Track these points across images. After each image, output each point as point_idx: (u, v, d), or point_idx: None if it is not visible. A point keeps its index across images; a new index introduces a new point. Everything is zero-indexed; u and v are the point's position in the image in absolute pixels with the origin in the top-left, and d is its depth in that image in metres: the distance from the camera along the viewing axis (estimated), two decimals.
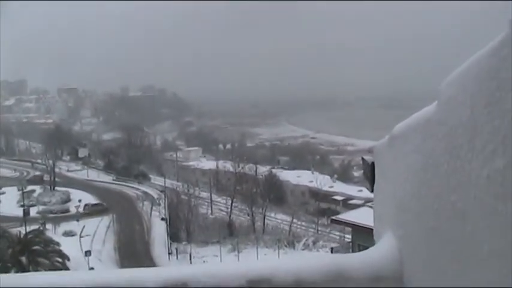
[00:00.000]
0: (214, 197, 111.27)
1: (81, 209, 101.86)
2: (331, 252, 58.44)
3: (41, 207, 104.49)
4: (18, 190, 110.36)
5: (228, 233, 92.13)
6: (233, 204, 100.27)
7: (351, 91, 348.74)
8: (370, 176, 2.82)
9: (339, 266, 2.20)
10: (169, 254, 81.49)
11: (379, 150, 2.74)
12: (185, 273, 2.06)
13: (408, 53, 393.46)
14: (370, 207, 31.88)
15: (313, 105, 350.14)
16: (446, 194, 1.73)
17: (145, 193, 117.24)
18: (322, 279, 2.08)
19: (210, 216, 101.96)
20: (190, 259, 77.87)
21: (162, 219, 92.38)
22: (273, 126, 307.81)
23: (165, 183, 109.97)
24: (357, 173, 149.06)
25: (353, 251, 37.98)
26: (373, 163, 2.81)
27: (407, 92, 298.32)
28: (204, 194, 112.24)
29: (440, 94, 1.84)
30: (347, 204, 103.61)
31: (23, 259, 46.86)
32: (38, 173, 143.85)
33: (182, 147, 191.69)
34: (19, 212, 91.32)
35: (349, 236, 51.86)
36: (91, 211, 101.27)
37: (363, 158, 3.04)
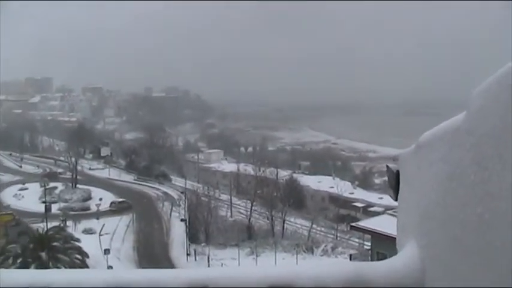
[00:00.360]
0: (234, 200, 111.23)
1: (106, 206, 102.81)
2: (350, 259, 58.19)
3: (62, 204, 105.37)
4: (41, 186, 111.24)
5: (247, 236, 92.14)
6: (253, 207, 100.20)
7: (374, 97, 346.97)
8: (394, 184, 2.76)
9: (361, 274, 2.15)
10: (187, 255, 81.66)
11: (405, 159, 2.67)
12: (205, 275, 2.06)
13: (433, 60, 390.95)
14: (391, 215, 31.69)
15: (336, 111, 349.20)
16: (472, 205, 1.70)
17: (165, 193, 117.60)
18: (344, 287, 2.09)
19: (230, 218, 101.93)
20: (209, 261, 77.93)
21: (182, 220, 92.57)
22: (295, 131, 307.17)
23: (185, 185, 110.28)
24: (378, 180, 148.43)
25: (372, 259, 37.77)
26: (397, 171, 2.74)
27: (432, 99, 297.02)
28: (224, 197, 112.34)
29: (471, 103, 1.81)
30: (367, 211, 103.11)
31: (43, 255, 47.19)
32: (53, 169, 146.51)
33: (204, 149, 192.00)
34: (41, 208, 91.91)
35: (369, 244, 51.52)
36: (118, 208, 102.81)
37: (387, 166, 2.97)
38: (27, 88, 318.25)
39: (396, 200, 2.80)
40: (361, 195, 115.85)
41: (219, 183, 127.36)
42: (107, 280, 1.97)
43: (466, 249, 1.77)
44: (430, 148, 2.29)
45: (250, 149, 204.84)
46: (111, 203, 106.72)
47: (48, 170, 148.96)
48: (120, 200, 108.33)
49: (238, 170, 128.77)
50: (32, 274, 2.07)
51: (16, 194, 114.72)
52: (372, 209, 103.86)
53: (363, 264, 2.25)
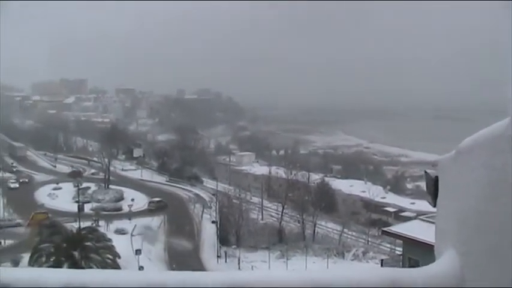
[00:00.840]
0: (265, 203, 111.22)
1: (138, 207, 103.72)
2: (381, 264, 57.81)
3: (95, 204, 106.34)
4: (74, 186, 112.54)
5: (278, 240, 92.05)
6: (284, 210, 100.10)
7: (407, 101, 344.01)
8: (433, 190, 2.79)
9: (398, 280, 2.12)
10: (218, 257, 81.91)
11: (445, 164, 2.69)
12: (238, 278, 2.03)
13: (464, 65, 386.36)
14: (423, 220, 31.46)
15: (368, 115, 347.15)
16: None
17: (197, 195, 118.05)
18: None
19: (260, 221, 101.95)
20: (239, 263, 78.02)
21: (213, 222, 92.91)
22: (327, 135, 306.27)
23: (217, 187, 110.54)
24: (410, 185, 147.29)
25: (403, 265, 37.55)
26: (436, 177, 2.77)
27: (462, 104, 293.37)
28: (255, 199, 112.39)
29: None
30: (399, 216, 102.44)
31: (76, 254, 47.68)
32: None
33: (235, 151, 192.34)
34: (74, 208, 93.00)
35: (400, 249, 51.11)
36: (155, 207, 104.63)
37: (425, 172, 3.00)
38: (61, 89, 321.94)
39: (434, 206, 2.83)
40: (392, 200, 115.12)
41: (250, 186, 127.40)
42: (141, 281, 1.99)
43: (507, 258, 1.73)
44: (471, 154, 2.29)
45: (281, 152, 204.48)
46: (149, 202, 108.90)
47: (81, 170, 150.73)
48: (158, 199, 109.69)
49: (269, 172, 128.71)
50: (31, 273, 2.07)
51: (50, 194, 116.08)
52: (403, 214, 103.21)
53: (400, 271, 2.22)
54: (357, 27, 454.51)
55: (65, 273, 2.01)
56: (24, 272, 2.10)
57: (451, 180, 2.58)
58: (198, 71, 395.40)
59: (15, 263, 64.22)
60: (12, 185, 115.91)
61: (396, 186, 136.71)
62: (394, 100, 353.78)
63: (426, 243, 30.44)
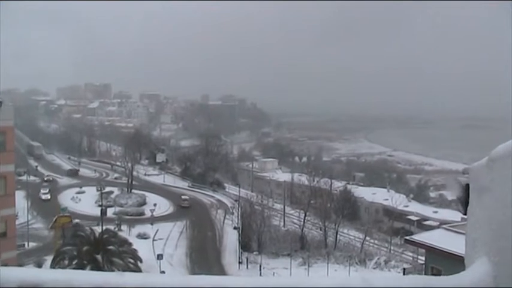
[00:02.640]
0: (288, 210, 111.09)
1: (160, 212, 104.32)
2: (404, 273, 57.45)
3: (118, 209, 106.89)
4: (97, 190, 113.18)
5: (300, 247, 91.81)
6: (306, 217, 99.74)
7: (433, 110, 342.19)
8: (464, 198, 2.74)
9: None
10: (239, 263, 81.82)
11: (476, 172, 2.65)
12: (266, 284, 2.00)
13: (493, 74, 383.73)
14: (446, 229, 31.19)
15: (393, 123, 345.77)
16: None
17: (219, 201, 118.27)
18: None
19: (283, 228, 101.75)
20: (260, 270, 77.88)
21: (235, 228, 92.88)
22: (351, 142, 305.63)
23: (239, 193, 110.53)
24: (434, 194, 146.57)
25: (426, 274, 37.22)
26: (467, 185, 2.73)
27: (488, 113, 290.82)
28: (278, 206, 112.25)
29: None
30: (422, 224, 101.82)
31: (98, 257, 47.87)
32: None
33: (258, 157, 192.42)
34: (97, 212, 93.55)
35: (423, 258, 50.79)
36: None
37: (457, 180, 2.96)
38: (86, 93, 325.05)
39: (465, 213, 2.79)
40: (415, 208, 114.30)
41: (273, 192, 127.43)
42: (165, 284, 1.98)
43: None
44: (504, 162, 2.27)
45: (304, 158, 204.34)
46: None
47: (104, 174, 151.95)
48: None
49: (292, 179, 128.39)
50: (32, 272, 2.08)
51: (73, 197, 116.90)
52: (426, 222, 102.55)
53: (431, 278, 2.20)
54: (385, 34, 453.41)
55: (30, 272, 2.10)
56: (26, 272, 2.11)
57: (483, 188, 2.56)
58: (223, 77, 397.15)
59: (39, 266, 64.81)
60: (43, 196, 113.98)
61: (419, 194, 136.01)
62: (419, 108, 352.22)
63: (449, 253, 30.24)
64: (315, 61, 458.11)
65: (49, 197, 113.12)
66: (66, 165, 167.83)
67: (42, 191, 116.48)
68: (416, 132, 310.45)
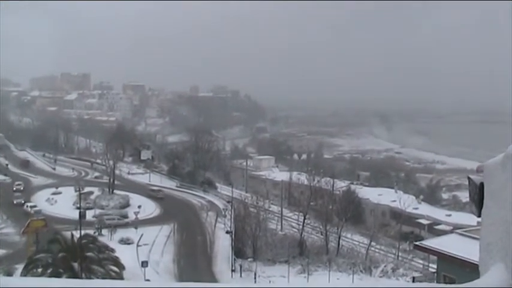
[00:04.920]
0: (285, 212, 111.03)
1: (145, 215, 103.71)
2: (413, 282, 57.37)
3: (98, 211, 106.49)
4: (75, 191, 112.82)
5: (298, 253, 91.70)
6: (305, 221, 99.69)
7: (443, 104, 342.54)
8: (477, 199, 2.62)
9: None
10: (232, 270, 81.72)
11: (491, 170, 2.50)
12: None
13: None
14: (461, 234, 31.14)
15: (400, 117, 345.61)
16: None
17: (210, 202, 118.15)
18: None
19: (280, 232, 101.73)
20: (255, 278, 77.79)
21: (227, 232, 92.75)
22: (354, 138, 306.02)
23: (232, 193, 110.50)
24: (446, 195, 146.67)
25: (437, 283, 37.16)
26: (481, 184, 2.60)
27: (508, 107, 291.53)
28: (274, 208, 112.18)
29: None
30: (433, 229, 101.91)
31: (75, 265, 47.73)
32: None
33: (253, 155, 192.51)
34: (75, 215, 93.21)
35: (434, 266, 50.75)
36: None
37: (469, 178, 2.82)
38: (62, 84, 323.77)
39: (479, 215, 2.66)
40: (426, 211, 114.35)
41: (269, 193, 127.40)
42: None
43: None
44: None
45: (304, 156, 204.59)
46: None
47: (83, 173, 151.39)
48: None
49: (290, 179, 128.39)
50: (32, 281, 2.08)
51: (48, 199, 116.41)
52: (438, 227, 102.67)
53: (444, 287, 2.18)
54: (391, 25, 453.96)
55: (30, 281, 2.10)
56: (26, 281, 2.14)
57: (498, 188, 2.54)
58: (214, 67, 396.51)
59: (9, 275, 64.43)
60: (15, 200, 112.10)
61: (430, 196, 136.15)
62: (428, 101, 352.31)
63: (464, 260, 30.16)
64: (313, 51, 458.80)
65: (21, 200, 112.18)
66: (41, 163, 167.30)
67: (15, 194, 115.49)
68: (425, 127, 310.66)
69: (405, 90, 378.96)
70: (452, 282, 35.44)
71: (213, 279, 76.48)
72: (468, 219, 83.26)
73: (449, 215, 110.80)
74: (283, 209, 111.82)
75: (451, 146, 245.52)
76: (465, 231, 39.43)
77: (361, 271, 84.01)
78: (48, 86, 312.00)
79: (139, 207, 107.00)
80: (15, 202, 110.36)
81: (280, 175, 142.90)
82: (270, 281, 74.84)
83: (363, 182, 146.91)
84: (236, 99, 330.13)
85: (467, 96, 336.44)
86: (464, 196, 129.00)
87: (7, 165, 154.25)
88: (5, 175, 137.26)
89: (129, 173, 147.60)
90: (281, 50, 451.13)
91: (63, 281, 2.15)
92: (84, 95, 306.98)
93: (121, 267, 54.24)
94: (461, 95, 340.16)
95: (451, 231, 54.03)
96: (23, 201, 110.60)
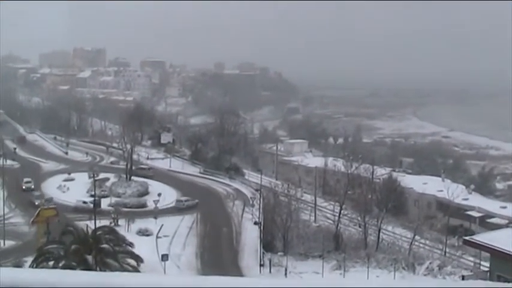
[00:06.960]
0: (320, 202, 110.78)
1: (165, 203, 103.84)
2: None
3: (114, 199, 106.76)
4: (90, 177, 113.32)
5: (334, 247, 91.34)
6: (342, 211, 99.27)
7: (496, 82, 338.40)
8: None
9: None
10: (260, 265, 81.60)
11: None
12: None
13: None
14: None
15: (448, 97, 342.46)
16: None
17: (237, 190, 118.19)
18: None
19: (313, 224, 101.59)
20: (286, 274, 77.73)
21: (255, 223, 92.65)
22: (396, 120, 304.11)
23: (261, 181, 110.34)
24: (501, 185, 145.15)
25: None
26: None
27: None
28: (308, 197, 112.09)
29: None
30: (485, 222, 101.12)
31: (89, 258, 47.86)
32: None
33: (284, 138, 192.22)
34: (88, 203, 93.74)
35: (487, 264, 50.19)
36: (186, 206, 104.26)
37: None
38: (75, 61, 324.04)
39: None
40: (477, 202, 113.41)
41: (302, 181, 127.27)
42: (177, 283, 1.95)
43: None
44: None
45: (340, 140, 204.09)
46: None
47: (98, 158, 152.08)
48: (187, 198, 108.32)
49: (325, 165, 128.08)
50: (33, 273, 2.19)
51: (60, 186, 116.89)
52: (491, 220, 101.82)
53: (496, 285, 2.17)
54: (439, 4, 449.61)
55: (31, 273, 2.11)
56: (30, 273, 2.19)
57: None
58: (241, 42, 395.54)
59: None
60: (25, 185, 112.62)
61: (483, 185, 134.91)
62: (484, 81, 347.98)
63: None
64: (350, 24, 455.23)
65: (32, 186, 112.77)
66: (52, 147, 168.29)
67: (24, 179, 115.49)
68: (476, 109, 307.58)
69: (450, 66, 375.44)
70: (507, 281, 34.90)
71: (240, 274, 76.27)
72: None
73: (504, 207, 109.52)
74: (317, 199, 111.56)
75: (506, 130, 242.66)
76: None
77: (403, 268, 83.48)
78: (59, 62, 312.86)
79: (159, 195, 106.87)
80: (24, 188, 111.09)
81: (313, 161, 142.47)
82: (301, 277, 74.74)
83: (406, 169, 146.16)
84: (265, 77, 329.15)
85: None
86: None
87: (15, 149, 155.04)
88: (13, 160, 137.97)
89: (148, 158, 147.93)
90: (314, 23, 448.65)
91: (80, 273, 2.20)
92: (99, 72, 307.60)
93: (139, 260, 54.37)
94: None
95: (507, 225, 53.46)
96: (32, 187, 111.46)
